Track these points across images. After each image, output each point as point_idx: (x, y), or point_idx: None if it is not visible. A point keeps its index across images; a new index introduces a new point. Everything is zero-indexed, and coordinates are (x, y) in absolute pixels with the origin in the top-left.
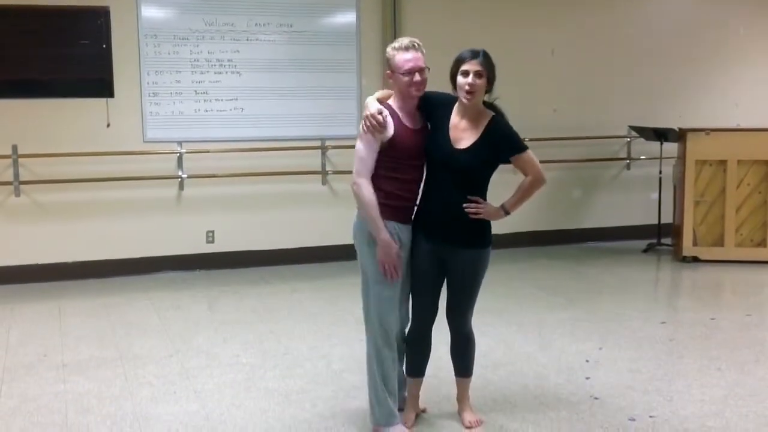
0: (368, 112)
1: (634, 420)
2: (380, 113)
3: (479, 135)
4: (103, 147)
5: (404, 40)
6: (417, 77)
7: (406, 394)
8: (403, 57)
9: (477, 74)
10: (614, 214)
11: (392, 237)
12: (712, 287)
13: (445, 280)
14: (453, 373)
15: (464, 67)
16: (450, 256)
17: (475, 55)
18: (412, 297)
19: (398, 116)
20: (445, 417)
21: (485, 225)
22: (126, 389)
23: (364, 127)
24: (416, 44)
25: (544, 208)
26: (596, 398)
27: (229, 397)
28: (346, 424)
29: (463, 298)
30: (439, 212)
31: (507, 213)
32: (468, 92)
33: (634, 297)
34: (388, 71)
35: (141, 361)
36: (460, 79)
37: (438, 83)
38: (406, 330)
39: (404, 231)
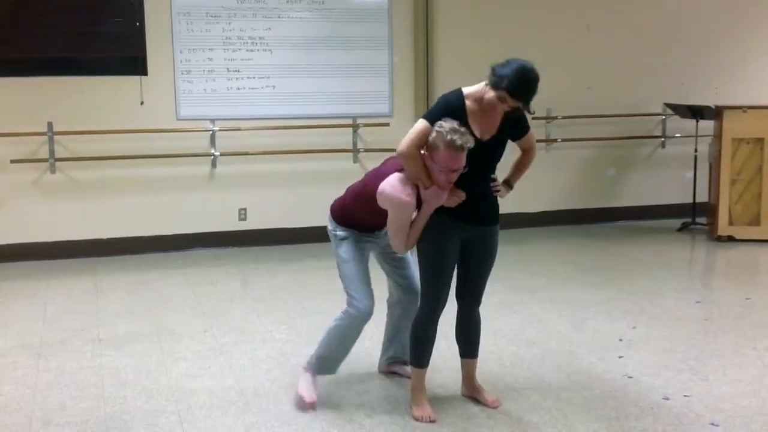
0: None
1: (668, 399)
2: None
3: (500, 121)
4: (136, 124)
5: (458, 139)
6: (453, 176)
7: (414, 386)
8: (452, 156)
9: (511, 108)
10: (649, 193)
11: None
12: (748, 267)
13: (464, 263)
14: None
15: (505, 99)
16: (477, 236)
17: (522, 97)
18: (438, 287)
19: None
20: (459, 399)
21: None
22: (161, 364)
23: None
24: (467, 145)
25: (578, 186)
26: (630, 377)
27: (263, 372)
28: (380, 399)
29: (486, 277)
30: (471, 196)
31: (512, 188)
32: (496, 108)
33: (668, 276)
34: (426, 152)
35: (176, 337)
36: (496, 96)
37: (468, 64)
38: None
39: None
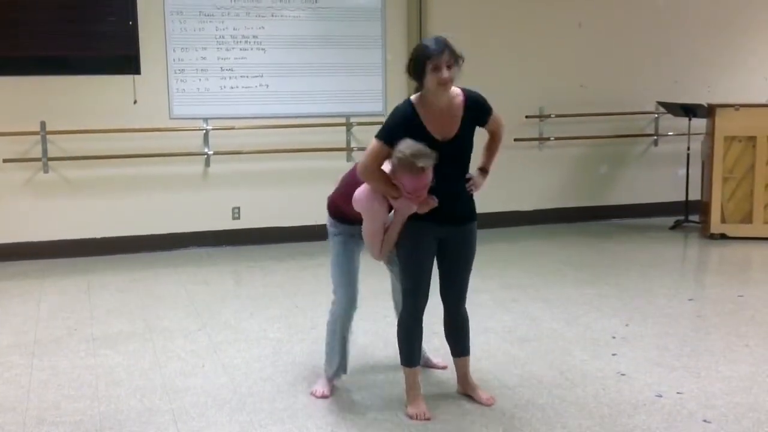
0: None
1: (661, 396)
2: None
3: (461, 116)
4: (130, 123)
5: (419, 161)
6: (422, 193)
7: (408, 386)
8: (416, 178)
9: (448, 67)
10: (641, 191)
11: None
12: (740, 264)
13: (443, 262)
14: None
15: (434, 63)
16: (454, 235)
17: (441, 49)
18: (417, 286)
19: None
20: (453, 397)
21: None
22: (155, 362)
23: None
24: (429, 165)
25: (571, 184)
26: (623, 374)
27: (256, 371)
28: (373, 397)
29: (467, 274)
30: (443, 194)
31: (487, 173)
32: (444, 86)
33: (661, 274)
34: (392, 168)
35: (169, 335)
36: (432, 76)
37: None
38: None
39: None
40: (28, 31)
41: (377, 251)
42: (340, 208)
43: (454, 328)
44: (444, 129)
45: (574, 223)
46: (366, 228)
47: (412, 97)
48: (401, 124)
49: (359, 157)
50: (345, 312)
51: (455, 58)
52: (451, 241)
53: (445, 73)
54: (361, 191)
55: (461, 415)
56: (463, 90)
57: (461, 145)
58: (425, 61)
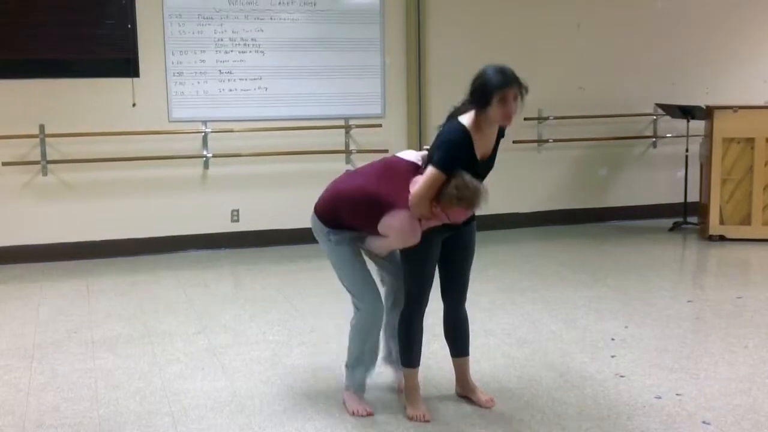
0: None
1: (660, 398)
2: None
3: (495, 137)
4: (129, 126)
5: (483, 201)
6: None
7: (402, 385)
8: (464, 213)
9: (515, 99)
10: (640, 193)
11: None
12: (739, 266)
13: (446, 263)
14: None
15: (502, 94)
16: (458, 236)
17: (510, 81)
18: (422, 287)
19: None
20: (453, 399)
21: None
22: (155, 365)
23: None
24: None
25: (570, 186)
26: (622, 376)
27: (256, 374)
28: (373, 398)
29: (468, 274)
30: None
31: None
32: (509, 119)
33: (659, 275)
34: (442, 199)
35: (169, 338)
36: (499, 108)
37: (459, 65)
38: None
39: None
40: (28, 34)
41: (386, 254)
42: (344, 222)
43: (454, 328)
44: (485, 149)
45: (573, 225)
46: (387, 245)
47: (465, 123)
48: (462, 153)
49: (358, 161)
50: (375, 314)
51: (521, 91)
52: (453, 241)
53: (513, 107)
54: (400, 220)
55: (461, 417)
56: None
57: (492, 161)
58: (494, 91)
